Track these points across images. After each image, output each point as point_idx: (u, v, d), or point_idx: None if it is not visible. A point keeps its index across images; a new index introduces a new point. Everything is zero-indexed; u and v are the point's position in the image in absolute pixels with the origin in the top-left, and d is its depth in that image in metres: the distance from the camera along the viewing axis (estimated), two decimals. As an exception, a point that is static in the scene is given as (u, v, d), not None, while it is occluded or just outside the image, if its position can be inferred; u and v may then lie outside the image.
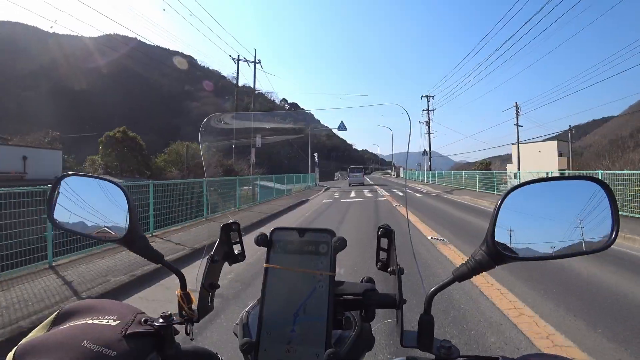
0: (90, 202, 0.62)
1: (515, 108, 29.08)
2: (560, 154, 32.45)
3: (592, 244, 0.47)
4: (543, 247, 0.48)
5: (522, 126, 28.62)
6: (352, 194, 18.12)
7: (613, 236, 0.47)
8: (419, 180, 33.35)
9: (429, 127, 35.66)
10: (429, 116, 36.28)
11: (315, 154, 33.66)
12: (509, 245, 0.48)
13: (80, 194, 0.63)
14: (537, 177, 0.52)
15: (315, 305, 0.50)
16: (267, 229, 0.57)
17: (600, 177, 0.48)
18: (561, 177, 0.48)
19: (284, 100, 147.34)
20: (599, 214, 0.47)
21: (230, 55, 22.93)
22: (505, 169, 31.09)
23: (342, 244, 0.53)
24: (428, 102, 36.47)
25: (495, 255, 0.48)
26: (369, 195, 16.92)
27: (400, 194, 17.34)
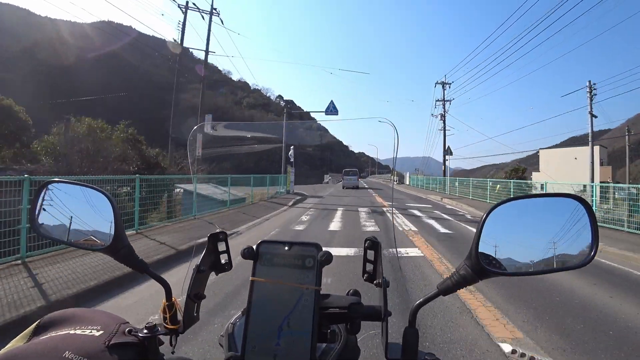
0: (76, 209, 0.62)
1: (588, 90, 18.84)
2: (601, 163, 24.51)
3: (573, 259, 0.49)
4: (526, 262, 0.50)
5: (596, 117, 18.92)
6: (337, 217, 9.43)
7: (593, 253, 0.48)
8: (435, 190, 23.73)
9: (444, 121, 28.11)
10: (444, 108, 27.99)
11: (292, 147, 21.50)
12: (493, 260, 0.49)
13: (66, 201, 0.63)
14: (520, 195, 0.54)
15: (300, 318, 0.51)
16: None
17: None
18: (543, 194, 0.50)
19: (280, 97, 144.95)
20: (579, 231, 0.49)
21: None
22: (530, 178, 24.71)
23: (328, 258, 0.54)
24: (444, 90, 28.04)
25: (479, 270, 0.49)
26: (370, 225, 8.24)
27: (441, 227, 8.16)
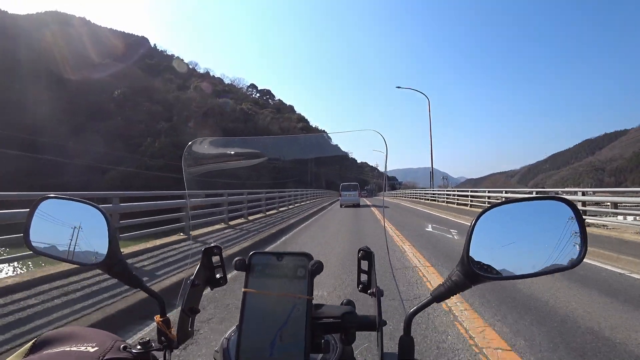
0: (70, 224, 0.66)
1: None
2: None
3: (563, 261, 0.53)
4: (516, 266, 0.53)
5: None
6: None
7: (582, 254, 0.52)
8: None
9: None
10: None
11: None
12: (484, 265, 0.53)
13: (59, 217, 0.67)
14: (508, 199, 0.58)
15: (293, 329, 0.54)
16: None
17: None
18: (531, 198, 0.54)
19: (253, 86, 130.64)
20: (568, 233, 0.53)
21: None
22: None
23: (319, 267, 0.57)
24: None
25: (470, 275, 0.53)
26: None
27: None
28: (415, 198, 28.74)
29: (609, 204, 7.99)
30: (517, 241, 0.54)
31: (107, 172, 43.90)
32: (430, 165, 26.93)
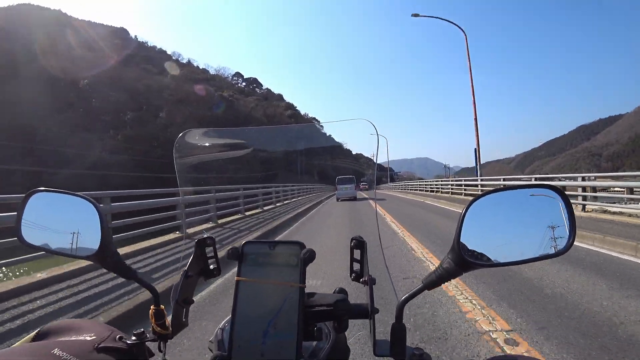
0: (61, 218, 0.66)
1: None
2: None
3: (552, 248, 0.54)
4: (507, 253, 0.54)
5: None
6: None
7: (571, 240, 0.53)
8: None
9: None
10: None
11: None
12: (475, 252, 0.54)
13: (51, 210, 0.67)
14: (499, 187, 0.59)
15: (286, 316, 0.55)
16: None
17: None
18: (521, 186, 0.55)
19: (238, 75, 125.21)
20: (557, 220, 0.54)
21: None
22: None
23: (311, 255, 0.58)
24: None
25: (461, 263, 0.53)
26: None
27: None
28: (442, 192, 19.97)
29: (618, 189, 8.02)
30: (507, 228, 0.55)
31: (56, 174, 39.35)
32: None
